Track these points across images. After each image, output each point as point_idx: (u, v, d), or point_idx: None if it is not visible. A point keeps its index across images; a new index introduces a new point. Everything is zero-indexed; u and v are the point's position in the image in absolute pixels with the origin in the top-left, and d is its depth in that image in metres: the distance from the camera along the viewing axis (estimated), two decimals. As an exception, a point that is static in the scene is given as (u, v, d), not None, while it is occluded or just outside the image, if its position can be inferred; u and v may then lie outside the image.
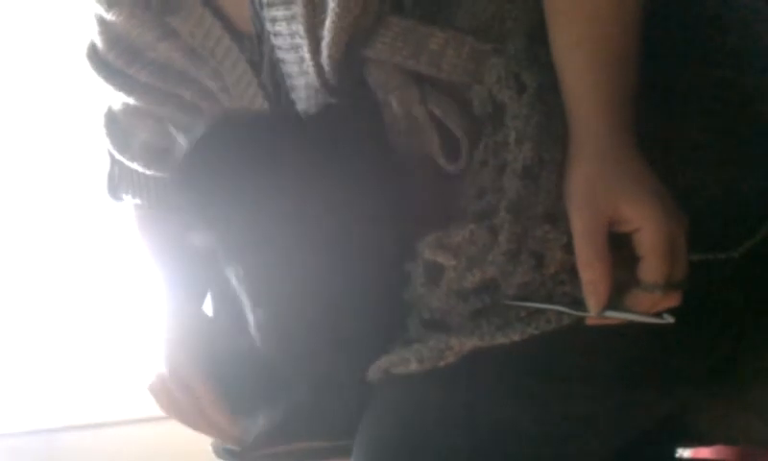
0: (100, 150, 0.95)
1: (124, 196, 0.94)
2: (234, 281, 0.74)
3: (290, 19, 0.71)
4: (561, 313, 0.63)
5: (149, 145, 0.89)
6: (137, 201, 0.94)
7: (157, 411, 0.94)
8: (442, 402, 0.67)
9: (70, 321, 1.85)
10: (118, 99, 0.88)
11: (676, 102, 0.68)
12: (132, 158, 0.89)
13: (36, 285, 1.82)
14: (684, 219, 0.60)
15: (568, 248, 0.61)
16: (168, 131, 0.87)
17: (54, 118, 1.78)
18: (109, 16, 0.82)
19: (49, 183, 1.82)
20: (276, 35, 0.73)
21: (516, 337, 0.63)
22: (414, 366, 0.66)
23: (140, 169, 0.90)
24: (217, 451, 1.00)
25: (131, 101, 0.86)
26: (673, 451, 0.87)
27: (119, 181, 0.94)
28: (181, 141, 0.86)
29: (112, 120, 0.90)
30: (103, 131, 0.91)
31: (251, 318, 0.75)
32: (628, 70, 0.64)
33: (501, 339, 0.63)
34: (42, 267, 1.83)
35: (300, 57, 0.73)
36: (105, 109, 0.91)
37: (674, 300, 0.59)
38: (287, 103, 0.78)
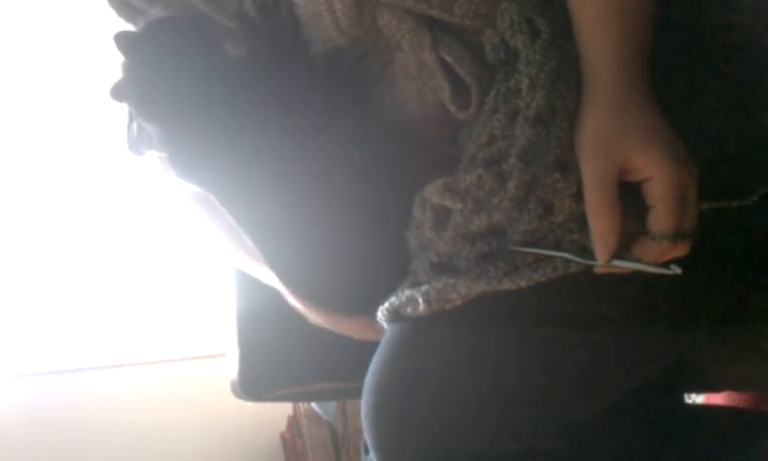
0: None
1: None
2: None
3: None
4: (568, 261, 0.63)
5: None
6: None
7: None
8: (447, 346, 0.67)
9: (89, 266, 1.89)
10: None
11: (688, 52, 0.67)
12: None
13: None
14: (695, 170, 0.59)
15: (578, 196, 0.61)
16: None
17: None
18: None
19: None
20: None
21: (523, 283, 0.63)
22: (421, 308, 0.67)
23: None
24: (235, 391, 1.03)
25: None
26: (681, 397, 0.87)
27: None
28: None
29: None
30: None
31: None
32: (643, 21, 0.63)
33: (508, 284, 0.64)
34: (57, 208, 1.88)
35: None
36: None
37: (682, 250, 0.59)
38: (301, 44, 0.77)
